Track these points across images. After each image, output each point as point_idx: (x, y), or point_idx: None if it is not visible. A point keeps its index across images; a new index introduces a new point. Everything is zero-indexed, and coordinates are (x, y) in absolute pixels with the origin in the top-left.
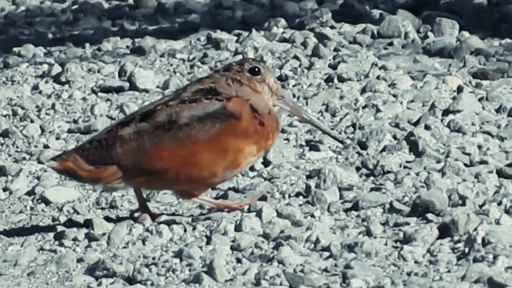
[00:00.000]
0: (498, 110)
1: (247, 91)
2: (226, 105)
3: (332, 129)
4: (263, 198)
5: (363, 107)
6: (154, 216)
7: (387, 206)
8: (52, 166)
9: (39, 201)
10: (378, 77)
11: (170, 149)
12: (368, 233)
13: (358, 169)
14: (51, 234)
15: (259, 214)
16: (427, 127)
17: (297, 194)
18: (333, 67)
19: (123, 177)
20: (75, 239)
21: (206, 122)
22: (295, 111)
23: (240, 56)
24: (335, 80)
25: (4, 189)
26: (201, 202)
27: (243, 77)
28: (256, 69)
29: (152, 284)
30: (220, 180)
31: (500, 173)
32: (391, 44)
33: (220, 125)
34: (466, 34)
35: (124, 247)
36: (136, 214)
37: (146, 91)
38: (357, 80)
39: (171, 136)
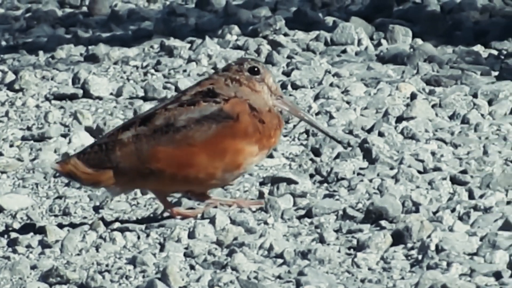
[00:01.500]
0: (451, 117)
1: (246, 91)
2: (223, 107)
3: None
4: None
5: (317, 114)
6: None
7: (341, 213)
8: (54, 168)
9: None
10: (331, 84)
11: (166, 151)
12: (322, 240)
13: (311, 176)
14: (5, 241)
15: (212, 221)
16: (380, 134)
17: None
18: (287, 74)
19: (122, 180)
20: (28, 246)
21: (203, 124)
22: (294, 111)
23: (194, 64)
24: (289, 87)
25: None
26: (215, 203)
27: (242, 76)
28: (256, 69)
29: None
30: (221, 182)
31: (454, 180)
32: (344, 51)
33: (216, 127)
34: (419, 41)
35: (78, 254)
36: (165, 214)
37: (100, 98)
38: (311, 87)
39: (168, 139)
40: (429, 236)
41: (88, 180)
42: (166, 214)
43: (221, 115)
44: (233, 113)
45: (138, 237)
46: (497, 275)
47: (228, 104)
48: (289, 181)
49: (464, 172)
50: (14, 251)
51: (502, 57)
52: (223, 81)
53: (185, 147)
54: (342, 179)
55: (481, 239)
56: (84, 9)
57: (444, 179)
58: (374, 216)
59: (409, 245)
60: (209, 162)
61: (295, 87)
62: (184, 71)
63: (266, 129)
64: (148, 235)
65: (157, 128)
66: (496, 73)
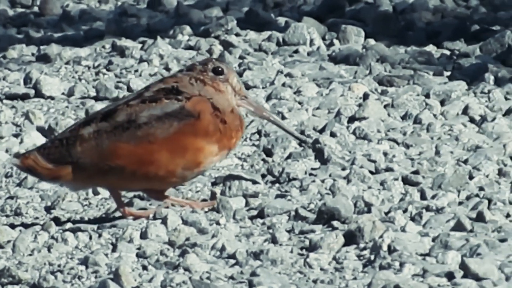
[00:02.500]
0: (403, 117)
1: (210, 90)
2: (185, 105)
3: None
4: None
5: None
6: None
7: (293, 213)
8: (15, 163)
9: None
10: (283, 85)
11: (127, 148)
12: (274, 240)
13: (263, 176)
14: None
15: (164, 221)
16: (332, 134)
17: (203, 201)
18: (239, 74)
19: (82, 176)
20: None
21: (165, 121)
22: (258, 111)
23: (145, 64)
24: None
25: None
26: (172, 202)
27: (206, 76)
28: (219, 69)
29: None
30: (181, 180)
31: (406, 180)
32: (296, 51)
33: (178, 124)
34: (371, 41)
35: (30, 255)
36: (117, 214)
37: (52, 98)
38: (263, 88)
39: (129, 135)
40: (381, 237)
41: (48, 175)
42: (118, 214)
43: (183, 113)
44: (195, 111)
45: (90, 238)
46: (450, 276)
47: (190, 102)
48: (241, 179)
49: (416, 172)
50: None
51: (454, 57)
52: (187, 80)
53: (146, 144)
54: (294, 179)
55: (433, 239)
56: (36, 9)
57: (396, 179)
58: (326, 217)
59: (361, 245)
60: (169, 159)
61: (247, 87)
62: (136, 71)
63: (228, 129)
64: (100, 236)
65: (118, 124)
66: (448, 73)
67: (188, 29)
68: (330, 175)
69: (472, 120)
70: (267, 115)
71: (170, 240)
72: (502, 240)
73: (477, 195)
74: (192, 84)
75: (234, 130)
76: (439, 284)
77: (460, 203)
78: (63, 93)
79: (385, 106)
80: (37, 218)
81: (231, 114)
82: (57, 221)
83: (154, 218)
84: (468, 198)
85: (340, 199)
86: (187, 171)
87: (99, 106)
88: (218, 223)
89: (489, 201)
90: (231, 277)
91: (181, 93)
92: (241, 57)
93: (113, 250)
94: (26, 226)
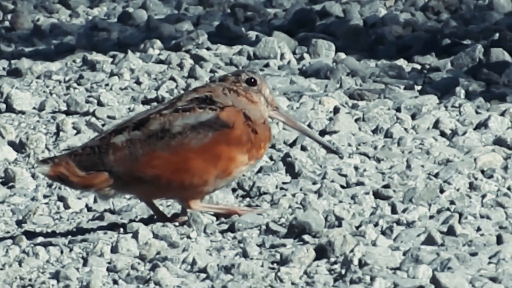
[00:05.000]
0: (374, 131)
1: (243, 101)
2: (219, 115)
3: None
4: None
5: None
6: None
7: (264, 227)
8: (43, 172)
9: None
10: None
11: (162, 157)
12: (245, 254)
13: (234, 190)
14: None
15: (135, 235)
16: (303, 148)
17: (174, 215)
18: None
19: (115, 185)
20: None
21: (199, 131)
22: (290, 122)
23: (116, 78)
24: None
25: None
26: (206, 210)
27: (239, 87)
28: (253, 80)
29: None
30: (212, 188)
31: (377, 194)
32: (267, 65)
33: (213, 134)
34: (342, 55)
35: (1, 269)
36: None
37: (23, 112)
38: None
39: (163, 144)
40: (352, 251)
41: (80, 184)
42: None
43: (218, 122)
44: (229, 121)
45: (61, 252)
46: None
47: (224, 112)
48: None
49: (387, 186)
50: None
51: (425, 71)
52: (220, 90)
53: (181, 153)
54: (265, 193)
55: (404, 253)
56: (7, 23)
57: (367, 193)
58: (297, 231)
59: (332, 259)
60: (203, 168)
61: None
62: (107, 85)
63: (258, 140)
64: (71, 250)
65: (152, 133)
66: (419, 87)
67: (158, 43)
68: (301, 189)
69: (443, 134)
70: (299, 126)
71: (141, 254)
72: (473, 254)
73: (448, 209)
74: (226, 94)
75: (263, 141)
76: None
77: (431, 217)
78: (34, 108)
79: (356, 120)
80: (8, 232)
81: (262, 125)
82: (28, 235)
83: (125, 232)
84: (439, 212)
85: (311, 213)
86: (219, 179)
87: (70, 120)
88: (189, 237)
89: (460, 215)
90: None
91: (215, 102)
92: (212, 71)
93: (84, 264)
94: None
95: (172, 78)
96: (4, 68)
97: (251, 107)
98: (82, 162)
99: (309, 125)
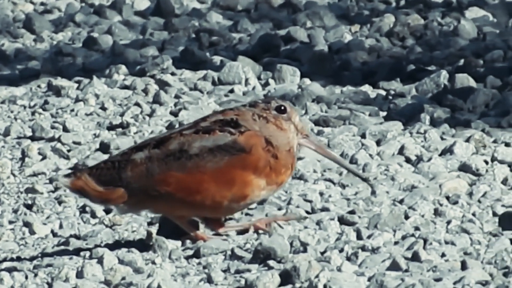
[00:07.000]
0: None
1: (272, 128)
2: (237, 139)
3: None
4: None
5: None
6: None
7: (229, 253)
8: (65, 185)
9: None
10: None
11: (176, 176)
12: (209, 280)
13: None
14: None
15: (100, 260)
16: None
17: (139, 241)
18: (174, 114)
19: (132, 200)
20: None
21: (216, 154)
22: (320, 149)
23: (81, 103)
24: (177, 127)
25: None
26: (228, 230)
27: (269, 114)
28: (282, 108)
29: None
30: (228, 211)
31: (342, 220)
32: (232, 91)
33: (228, 158)
34: (307, 81)
35: None
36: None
37: None
38: None
39: (179, 165)
40: (317, 276)
41: (98, 198)
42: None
43: (235, 147)
44: (247, 145)
45: (26, 277)
46: None
47: (243, 136)
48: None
49: (352, 212)
50: None
51: (390, 97)
52: (250, 115)
53: (195, 174)
54: (230, 219)
55: (369, 279)
56: None
57: (332, 219)
58: (262, 256)
59: (297, 285)
60: (216, 191)
61: None
62: (72, 110)
63: (278, 165)
64: (36, 275)
65: (170, 153)
66: (384, 114)
67: (123, 68)
68: (266, 215)
69: (408, 160)
70: (329, 154)
71: (106, 279)
72: (437, 280)
73: (412, 235)
74: (255, 120)
75: (285, 167)
76: None
77: (396, 243)
78: None
79: None
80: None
81: (286, 152)
82: None
83: (90, 257)
84: (403, 238)
85: (276, 238)
86: (234, 203)
87: (36, 146)
88: (154, 263)
89: (425, 241)
90: None
91: (240, 126)
92: (176, 96)
93: None
94: None
95: (137, 104)
96: None
97: (279, 134)
98: (102, 177)
99: None
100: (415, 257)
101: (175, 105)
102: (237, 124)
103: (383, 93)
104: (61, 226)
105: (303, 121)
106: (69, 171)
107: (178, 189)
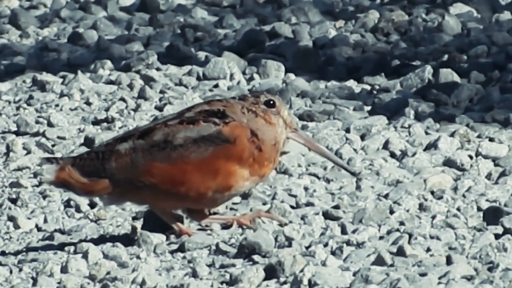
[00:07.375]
0: None
1: (260, 122)
2: (222, 130)
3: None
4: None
5: None
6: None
7: (213, 247)
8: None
9: None
10: None
11: (161, 167)
12: (194, 274)
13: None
14: None
15: (85, 255)
16: None
17: (124, 236)
18: (160, 109)
19: (116, 192)
20: None
21: (200, 144)
22: (309, 143)
23: (66, 98)
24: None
25: None
26: (211, 222)
27: (258, 108)
28: (271, 102)
29: None
30: (212, 202)
31: (326, 215)
32: (216, 86)
33: (213, 149)
34: (292, 76)
35: None
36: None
37: None
38: None
39: (164, 155)
40: (301, 271)
41: (82, 189)
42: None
43: (220, 137)
44: (231, 136)
45: (11, 272)
46: None
47: (228, 127)
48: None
49: (336, 207)
50: None
51: (375, 92)
52: (239, 108)
53: (179, 165)
54: (215, 213)
55: (354, 274)
56: None
57: (317, 214)
58: (247, 251)
59: (282, 279)
60: (201, 182)
61: None
62: (57, 105)
63: (261, 157)
64: (20, 270)
65: (155, 144)
66: (369, 108)
67: (109, 63)
68: (251, 210)
69: (392, 155)
70: (317, 148)
71: (90, 274)
72: (423, 275)
73: (397, 230)
74: (244, 113)
75: (268, 160)
76: None
77: (381, 238)
78: None
79: None
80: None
81: (272, 146)
82: None
83: (75, 252)
84: (388, 232)
85: (261, 233)
86: (218, 193)
87: (20, 140)
88: (138, 257)
89: (410, 235)
90: None
91: (227, 117)
92: (161, 92)
93: (34, 285)
94: None
95: (122, 99)
96: None
97: (267, 128)
98: (85, 168)
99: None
100: (400, 252)
101: (160, 100)
102: (224, 115)
103: (368, 88)
104: (45, 221)
105: (291, 115)
106: (51, 156)
107: (163, 180)
